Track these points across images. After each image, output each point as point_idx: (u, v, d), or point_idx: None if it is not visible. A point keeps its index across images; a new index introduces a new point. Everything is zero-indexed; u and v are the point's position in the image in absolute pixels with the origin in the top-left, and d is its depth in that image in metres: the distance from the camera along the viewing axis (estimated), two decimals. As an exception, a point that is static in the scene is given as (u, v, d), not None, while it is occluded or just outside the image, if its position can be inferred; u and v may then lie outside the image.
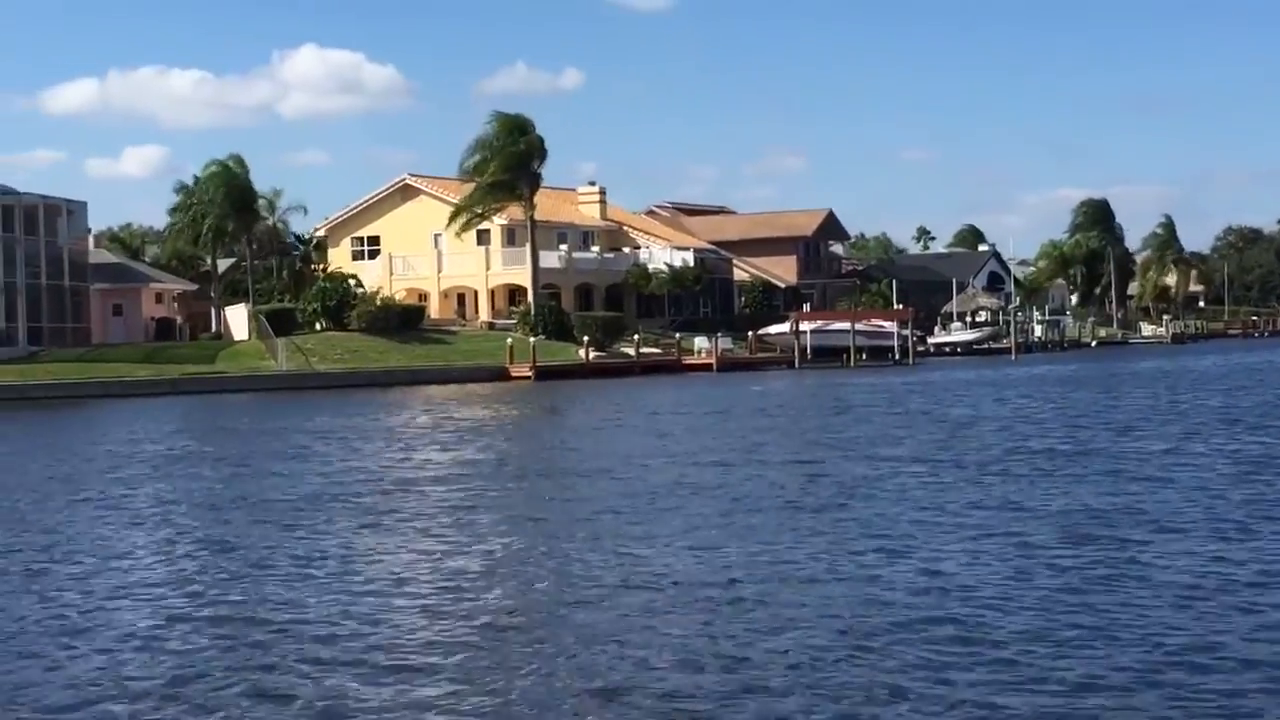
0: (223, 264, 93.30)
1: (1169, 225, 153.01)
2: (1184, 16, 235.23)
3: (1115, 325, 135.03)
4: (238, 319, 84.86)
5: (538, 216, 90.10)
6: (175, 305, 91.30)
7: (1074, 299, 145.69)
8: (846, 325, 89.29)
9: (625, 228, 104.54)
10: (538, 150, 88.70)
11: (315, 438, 37.90)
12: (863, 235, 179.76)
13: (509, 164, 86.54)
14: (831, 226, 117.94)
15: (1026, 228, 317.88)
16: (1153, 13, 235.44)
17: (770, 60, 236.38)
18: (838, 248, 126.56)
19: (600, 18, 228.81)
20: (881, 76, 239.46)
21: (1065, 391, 52.69)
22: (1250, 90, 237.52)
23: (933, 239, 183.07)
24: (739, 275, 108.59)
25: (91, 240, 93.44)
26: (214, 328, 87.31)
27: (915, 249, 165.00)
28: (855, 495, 22.15)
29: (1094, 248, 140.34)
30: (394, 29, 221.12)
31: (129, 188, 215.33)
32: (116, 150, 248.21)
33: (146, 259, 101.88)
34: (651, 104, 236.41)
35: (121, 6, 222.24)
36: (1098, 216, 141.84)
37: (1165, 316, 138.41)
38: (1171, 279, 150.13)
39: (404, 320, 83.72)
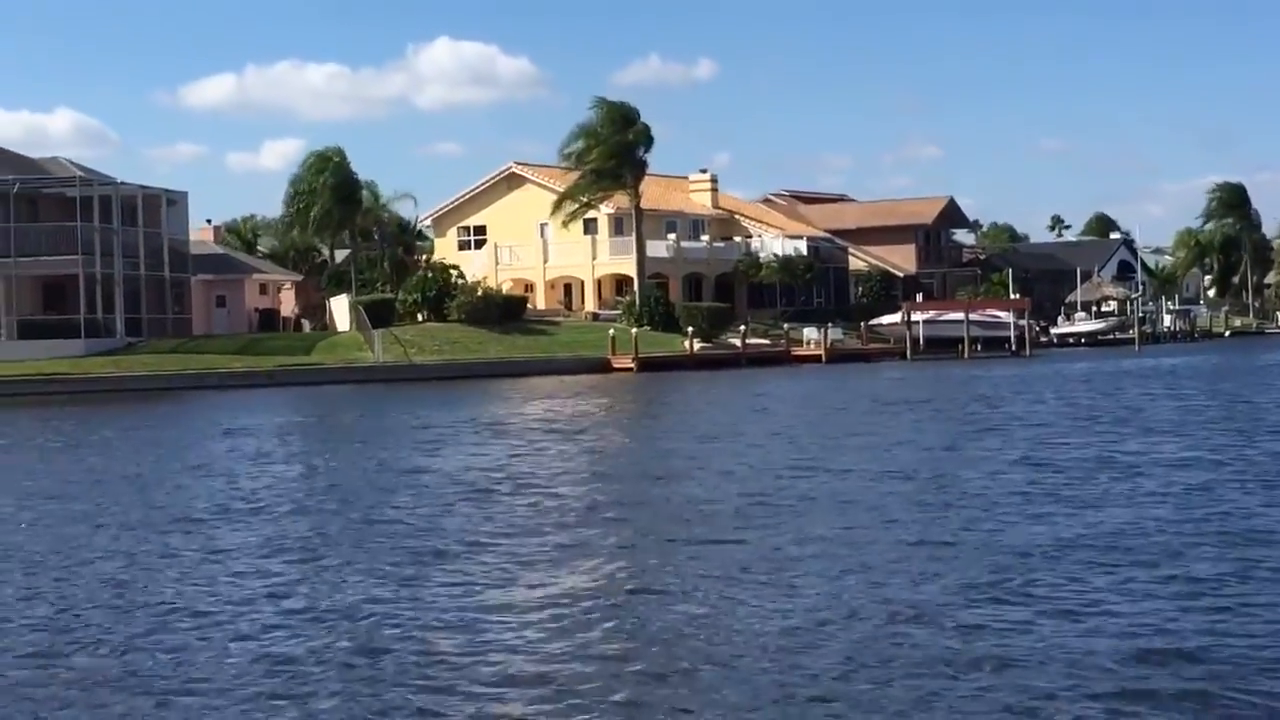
0: (341, 255, 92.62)
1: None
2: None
3: (1251, 315, 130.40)
4: (340, 310, 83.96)
5: (647, 205, 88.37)
6: (280, 296, 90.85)
7: (1210, 288, 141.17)
8: (960, 315, 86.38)
9: (737, 216, 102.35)
10: (643, 139, 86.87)
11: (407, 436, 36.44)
12: (993, 223, 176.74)
13: (613, 151, 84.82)
14: (952, 214, 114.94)
15: (1168, 216, 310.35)
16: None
17: (906, 49, 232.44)
18: (962, 235, 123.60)
19: (733, 7, 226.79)
20: (1020, 64, 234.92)
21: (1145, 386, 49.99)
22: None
23: (1067, 228, 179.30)
24: (856, 264, 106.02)
25: (212, 232, 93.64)
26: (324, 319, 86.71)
27: (1049, 238, 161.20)
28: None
29: (1229, 234, 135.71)
30: (527, 21, 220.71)
31: (269, 180, 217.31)
32: (256, 144, 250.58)
33: (262, 250, 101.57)
34: (787, 94, 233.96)
35: (258, 3, 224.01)
36: (1234, 202, 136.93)
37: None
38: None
39: (505, 311, 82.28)
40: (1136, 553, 15.60)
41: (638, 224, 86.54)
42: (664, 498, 22.04)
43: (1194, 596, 13.32)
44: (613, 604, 13.92)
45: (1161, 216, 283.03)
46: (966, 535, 17.22)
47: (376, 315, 77.83)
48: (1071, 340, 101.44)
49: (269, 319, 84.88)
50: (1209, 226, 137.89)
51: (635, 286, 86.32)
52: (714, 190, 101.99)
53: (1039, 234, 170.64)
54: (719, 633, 12.53)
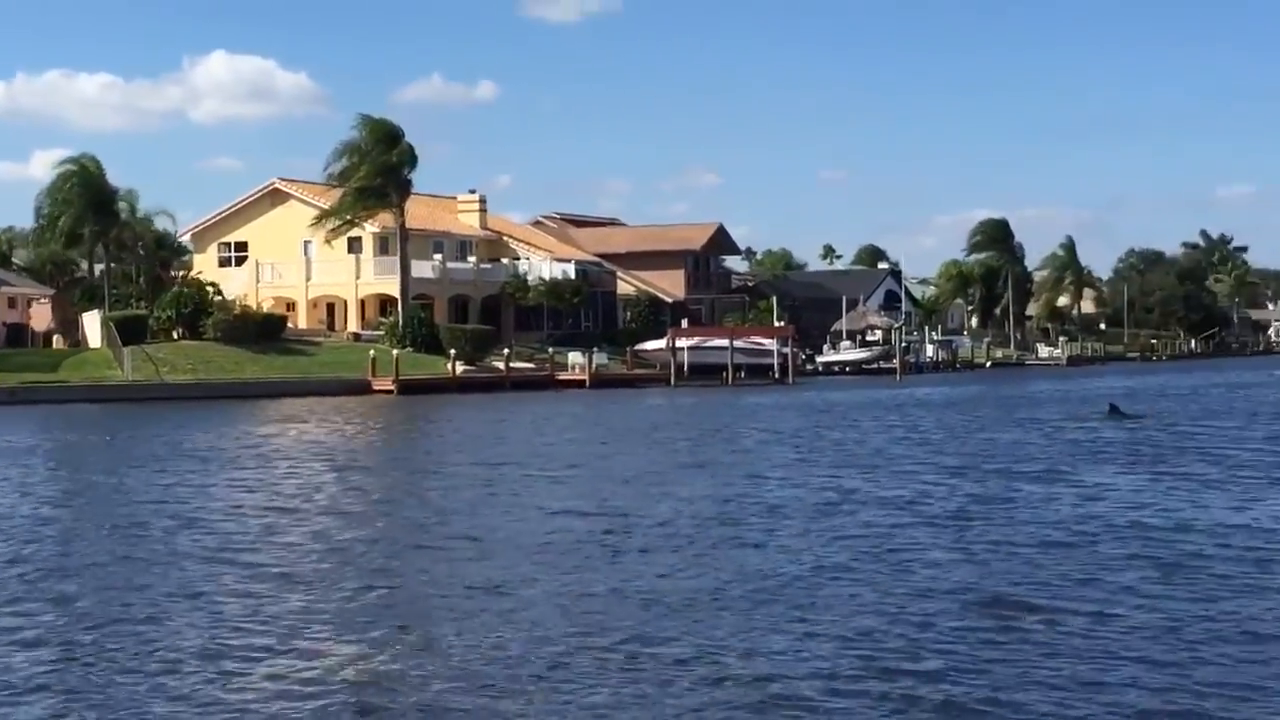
0: (101, 269, 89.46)
1: (1069, 246, 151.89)
2: (1102, 39, 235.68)
3: (1012, 346, 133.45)
4: (92, 326, 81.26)
5: (413, 225, 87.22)
6: (31, 311, 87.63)
7: (973, 320, 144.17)
8: (725, 342, 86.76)
9: (506, 238, 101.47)
10: (408, 158, 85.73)
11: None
12: (768, 250, 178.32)
13: (378, 170, 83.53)
14: (722, 240, 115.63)
15: (940, 248, 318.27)
16: (1070, 37, 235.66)
17: (688, 76, 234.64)
18: (734, 262, 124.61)
19: (515, 30, 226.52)
20: (799, 97, 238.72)
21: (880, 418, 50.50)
22: (1165, 113, 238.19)
23: (839, 257, 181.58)
24: (625, 289, 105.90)
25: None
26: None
27: (824, 267, 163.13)
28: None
29: (992, 266, 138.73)
30: (306, 36, 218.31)
31: (36, 191, 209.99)
32: (25, 153, 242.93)
33: (18, 262, 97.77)
34: (568, 118, 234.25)
35: (27, 10, 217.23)
36: (997, 235, 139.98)
37: (1061, 339, 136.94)
38: (1067, 299, 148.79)
39: (264, 330, 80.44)
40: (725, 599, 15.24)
41: (402, 244, 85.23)
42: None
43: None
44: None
45: (934, 248, 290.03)
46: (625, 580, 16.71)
47: (128, 331, 75.49)
48: (837, 369, 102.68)
49: (17, 334, 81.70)
50: (973, 259, 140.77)
51: (399, 307, 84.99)
52: (483, 211, 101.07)
53: (816, 264, 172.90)
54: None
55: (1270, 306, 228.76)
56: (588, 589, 16.12)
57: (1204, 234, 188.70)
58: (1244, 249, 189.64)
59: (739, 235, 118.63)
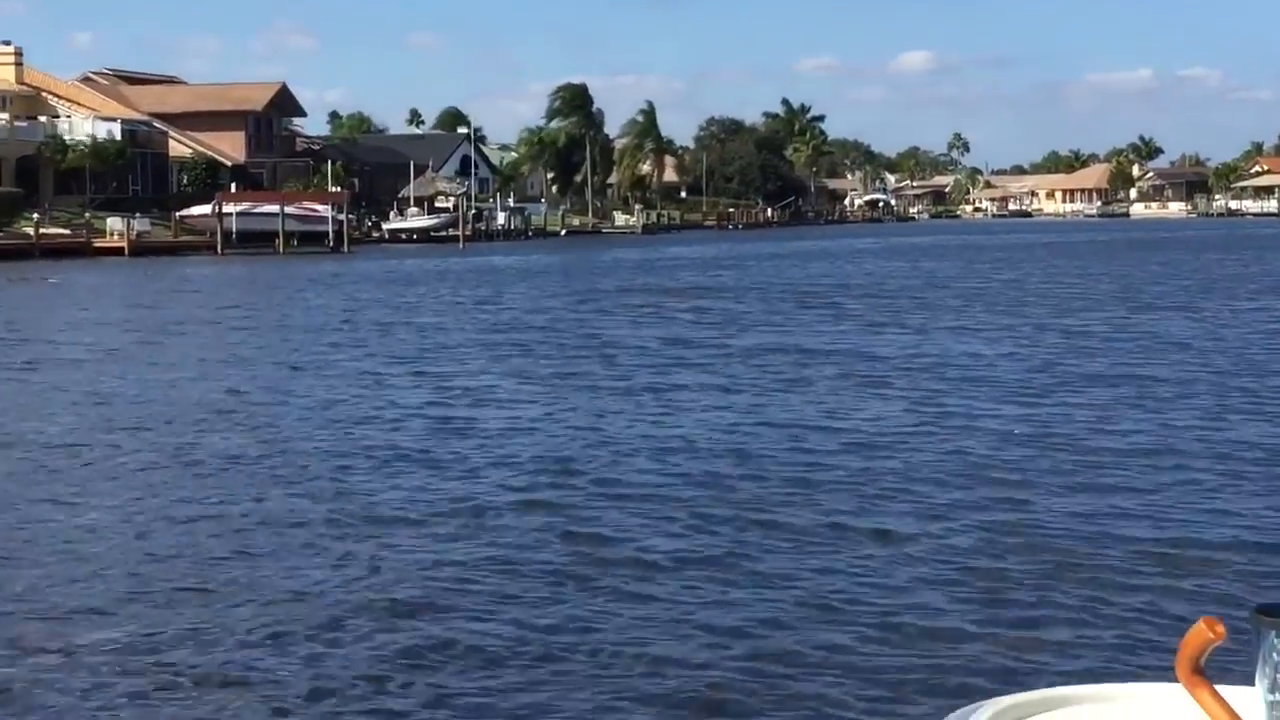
0: None
1: (650, 113, 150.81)
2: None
3: (590, 214, 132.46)
4: None
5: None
6: None
7: (554, 188, 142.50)
8: (276, 208, 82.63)
9: (45, 95, 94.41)
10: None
11: None
12: (353, 114, 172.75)
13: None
14: (286, 102, 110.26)
15: (531, 116, 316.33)
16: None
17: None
18: (310, 125, 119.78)
19: None
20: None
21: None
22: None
23: (423, 123, 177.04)
24: (182, 151, 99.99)
25: None
26: None
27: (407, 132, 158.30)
28: None
29: (572, 134, 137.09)
30: None
31: None
32: None
33: None
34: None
35: None
36: (577, 101, 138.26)
37: (638, 207, 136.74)
38: (648, 167, 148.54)
39: None
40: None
41: (-83, 98, 78.12)
42: None
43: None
44: None
45: (527, 115, 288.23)
46: None
47: None
48: (404, 236, 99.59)
49: None
50: (554, 125, 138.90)
51: (-85, 167, 78.00)
52: (18, 65, 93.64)
53: (401, 129, 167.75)
54: None
55: (849, 176, 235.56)
56: None
57: (785, 103, 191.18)
58: (822, 118, 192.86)
59: (332, 100, 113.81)
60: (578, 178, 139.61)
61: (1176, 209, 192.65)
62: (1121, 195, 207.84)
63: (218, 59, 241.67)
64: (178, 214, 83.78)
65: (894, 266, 62.41)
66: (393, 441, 16.75)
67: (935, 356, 25.13)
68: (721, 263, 68.12)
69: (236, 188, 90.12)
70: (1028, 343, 27.41)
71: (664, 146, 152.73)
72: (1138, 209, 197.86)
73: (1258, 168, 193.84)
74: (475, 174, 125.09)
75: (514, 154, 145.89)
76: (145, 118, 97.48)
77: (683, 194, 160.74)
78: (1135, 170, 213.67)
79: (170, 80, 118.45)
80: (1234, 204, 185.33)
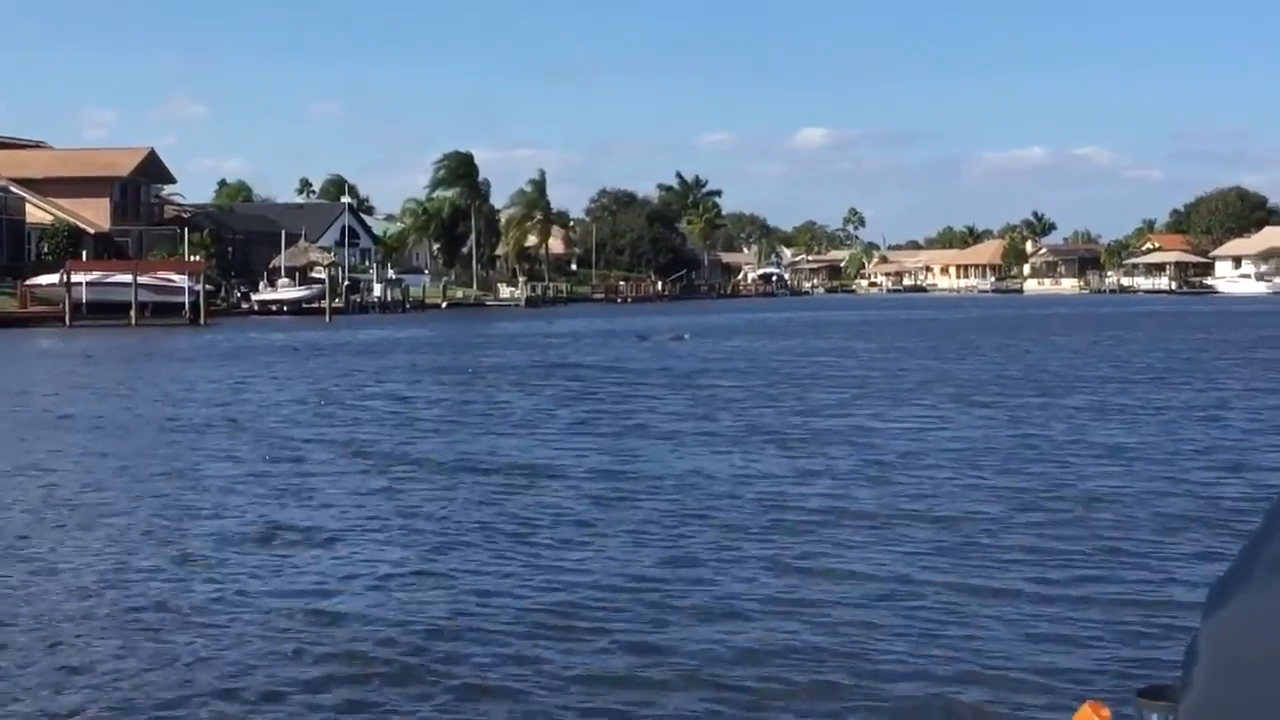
0: None
1: (539, 183, 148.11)
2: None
3: (475, 286, 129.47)
4: None
5: None
6: None
7: (440, 259, 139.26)
8: (129, 278, 79.02)
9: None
10: None
11: None
12: (239, 181, 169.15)
13: None
14: (154, 168, 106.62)
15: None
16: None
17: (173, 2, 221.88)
18: (173, 191, 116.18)
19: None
20: (291, 26, 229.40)
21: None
22: (643, 65, 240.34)
23: (314, 191, 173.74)
24: (43, 217, 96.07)
25: None
26: None
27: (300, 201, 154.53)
28: None
29: (457, 204, 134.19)
30: None
31: None
32: None
33: None
34: (50, 42, 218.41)
35: None
36: (462, 171, 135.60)
37: (521, 279, 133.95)
38: (535, 238, 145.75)
39: None
40: None
41: None
42: None
43: None
44: None
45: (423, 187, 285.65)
46: None
47: None
48: (274, 308, 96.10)
49: None
50: (437, 195, 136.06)
51: None
52: None
53: (291, 198, 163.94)
54: None
55: (745, 250, 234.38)
56: None
57: (679, 176, 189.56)
58: (719, 192, 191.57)
59: (229, 169, 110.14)
60: (464, 249, 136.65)
61: (1069, 285, 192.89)
62: (1015, 271, 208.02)
63: (114, 128, 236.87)
64: (25, 283, 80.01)
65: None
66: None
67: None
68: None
69: (101, 256, 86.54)
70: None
71: (553, 217, 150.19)
72: (1031, 285, 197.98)
73: (1149, 245, 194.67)
74: (357, 244, 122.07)
75: (400, 224, 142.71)
76: (2, 182, 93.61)
77: (573, 266, 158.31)
78: (1029, 246, 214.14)
79: (36, 145, 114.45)
80: (1126, 280, 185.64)
